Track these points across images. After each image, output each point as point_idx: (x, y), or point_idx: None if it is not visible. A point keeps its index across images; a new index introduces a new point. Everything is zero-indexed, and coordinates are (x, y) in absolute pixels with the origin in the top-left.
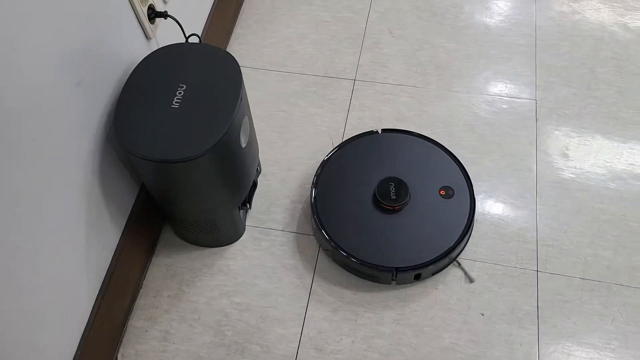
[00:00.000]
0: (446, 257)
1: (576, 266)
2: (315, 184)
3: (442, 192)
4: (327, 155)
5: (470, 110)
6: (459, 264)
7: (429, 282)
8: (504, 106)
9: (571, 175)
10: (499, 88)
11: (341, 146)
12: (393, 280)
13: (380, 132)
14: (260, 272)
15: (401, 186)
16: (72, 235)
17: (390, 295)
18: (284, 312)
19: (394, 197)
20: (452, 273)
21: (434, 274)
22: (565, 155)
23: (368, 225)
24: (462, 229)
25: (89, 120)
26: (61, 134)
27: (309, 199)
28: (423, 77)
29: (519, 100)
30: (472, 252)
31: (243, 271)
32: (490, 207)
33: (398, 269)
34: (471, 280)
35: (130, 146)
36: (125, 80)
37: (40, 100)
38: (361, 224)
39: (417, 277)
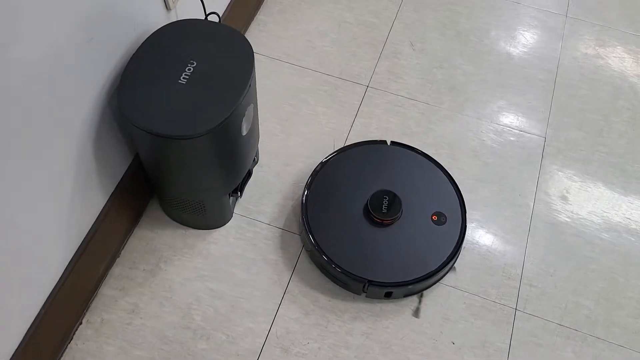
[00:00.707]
0: (421, 282)
1: (555, 311)
2: (309, 184)
3: (434, 218)
4: (327, 157)
5: (478, 136)
6: (420, 297)
7: (404, 302)
8: (512, 138)
9: (567, 219)
10: (511, 119)
11: (344, 150)
12: (364, 292)
13: (389, 143)
14: (240, 261)
15: (395, 202)
16: (55, 192)
17: (364, 307)
18: (256, 306)
19: (385, 211)
20: (430, 296)
21: (405, 295)
22: (564, 198)
23: (353, 233)
24: (444, 259)
25: (94, 80)
26: (63, 87)
27: (301, 197)
28: (437, 95)
29: (528, 135)
30: (454, 279)
31: (223, 258)
32: (480, 237)
33: (370, 282)
34: (416, 316)
35: (129, 114)
36: (137, 47)
37: (47, 50)
38: (347, 231)
39: (388, 295)
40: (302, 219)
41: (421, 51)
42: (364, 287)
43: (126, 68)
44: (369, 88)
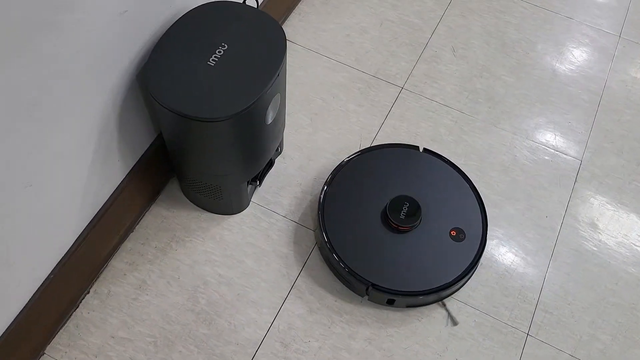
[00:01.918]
0: (426, 295)
1: (569, 341)
2: (330, 180)
3: (453, 233)
4: (352, 155)
5: (510, 151)
6: (444, 305)
7: (412, 312)
8: (546, 157)
9: (593, 248)
10: (547, 138)
11: (371, 149)
12: (367, 295)
13: (422, 150)
14: (251, 251)
15: (415, 209)
16: (75, 160)
17: (370, 312)
18: (262, 297)
19: (403, 217)
20: (438, 309)
21: (408, 306)
22: (594, 226)
23: (367, 235)
24: (455, 277)
25: (124, 53)
26: (93, 57)
27: (320, 191)
28: (473, 104)
29: (564, 156)
30: (467, 296)
31: (234, 245)
32: (500, 255)
33: (374, 286)
34: (455, 323)
35: (155, 91)
36: (170, 24)
37: (81, 16)
38: (360, 232)
39: (390, 303)
40: (318, 212)
41: (462, 58)
42: (367, 289)
43: (157, 44)
44: (403, 90)
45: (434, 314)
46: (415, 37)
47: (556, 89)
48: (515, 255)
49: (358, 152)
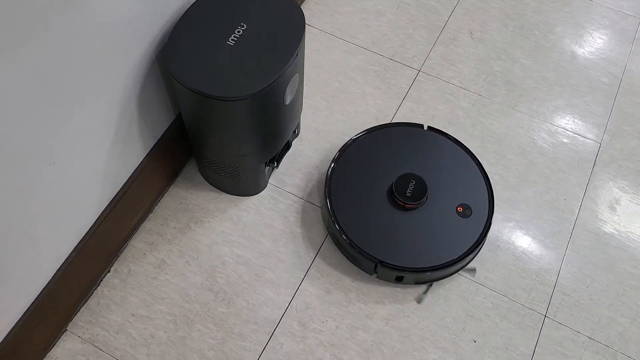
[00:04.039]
0: (433, 272)
1: (587, 323)
2: (337, 158)
3: (459, 209)
4: (358, 134)
5: (529, 134)
6: (429, 286)
7: (429, 293)
8: (564, 140)
9: (612, 231)
10: (566, 120)
11: (377, 128)
12: (375, 272)
13: (426, 128)
14: (269, 232)
15: (421, 187)
16: (96, 140)
17: (387, 292)
18: (280, 277)
19: (409, 195)
20: (456, 291)
21: (416, 282)
22: (612, 209)
23: (374, 213)
24: (461, 253)
25: (145, 32)
26: (114, 36)
27: (327, 170)
28: (490, 87)
29: (583, 139)
30: (484, 277)
31: (252, 226)
32: (517, 237)
33: (382, 263)
34: (419, 301)
35: (175, 70)
36: (190, 4)
37: None
38: (367, 210)
39: (399, 280)
40: (325, 190)
41: (480, 40)
42: (375, 267)
43: (177, 24)
44: (420, 72)
45: (452, 295)
46: (432, 20)
47: (575, 72)
48: (533, 238)
49: (364, 131)
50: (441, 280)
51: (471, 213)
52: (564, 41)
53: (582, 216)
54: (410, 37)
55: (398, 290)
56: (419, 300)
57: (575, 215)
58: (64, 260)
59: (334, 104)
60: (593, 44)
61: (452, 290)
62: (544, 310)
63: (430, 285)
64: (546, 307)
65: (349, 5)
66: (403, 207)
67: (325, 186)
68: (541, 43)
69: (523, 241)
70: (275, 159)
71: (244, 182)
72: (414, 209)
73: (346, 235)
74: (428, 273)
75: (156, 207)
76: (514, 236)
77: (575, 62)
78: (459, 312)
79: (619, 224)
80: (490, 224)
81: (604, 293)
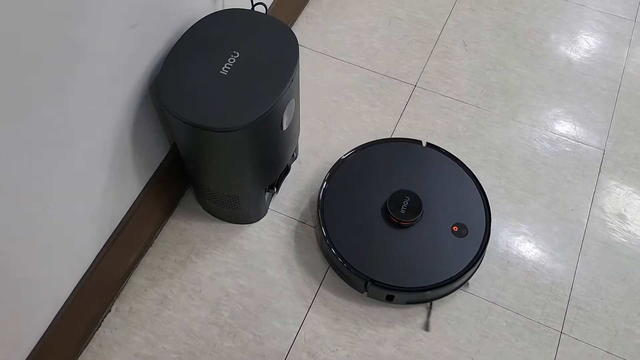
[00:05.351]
0: (424, 292)
1: (604, 337)
2: (330, 175)
3: (455, 229)
4: (351, 151)
5: (530, 144)
6: (430, 308)
7: (440, 314)
8: (567, 149)
9: (623, 240)
10: (567, 129)
11: (373, 144)
12: (365, 290)
13: (424, 144)
14: (272, 259)
15: (415, 204)
16: (90, 178)
17: (397, 317)
18: (286, 306)
19: (403, 212)
20: (468, 311)
21: (407, 302)
22: (622, 217)
23: (367, 230)
24: (455, 274)
25: (135, 66)
26: (104, 73)
27: (319, 188)
28: (488, 98)
29: (586, 146)
30: (496, 295)
31: (254, 254)
32: (527, 252)
33: (372, 281)
34: (427, 329)
35: (168, 102)
36: (181, 35)
37: (90, 33)
38: (360, 227)
39: (389, 299)
40: (318, 209)
41: (474, 52)
42: (365, 284)
43: (168, 55)
44: (416, 88)
45: (463, 316)
46: (425, 34)
47: (572, 79)
48: (543, 251)
49: (358, 147)
50: (451, 300)
51: (467, 233)
52: (559, 48)
53: (591, 226)
54: (404, 52)
55: (408, 313)
56: (427, 327)
57: (584, 226)
58: (62, 304)
59: (331, 124)
60: (589, 49)
61: (463, 310)
62: (559, 327)
63: (430, 307)
64: (562, 323)
65: (340, 24)
66: (397, 225)
67: (318, 206)
68: (536, 51)
69: (533, 255)
70: (274, 184)
71: (244, 210)
72: (409, 226)
73: (337, 252)
74: (421, 293)
75: (155, 240)
76: (523, 250)
77: (572, 69)
78: (472, 333)
79: (629, 232)
80: (486, 244)
81: (619, 304)
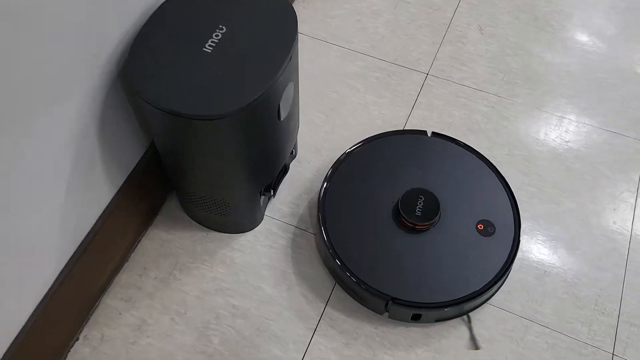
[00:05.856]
0: (458, 305)
1: None
2: (330, 176)
3: (480, 227)
4: (353, 146)
5: (560, 137)
6: (469, 321)
7: (468, 335)
8: (603, 140)
9: None
10: (600, 118)
11: (374, 139)
12: (386, 311)
13: (429, 134)
14: (269, 274)
15: (432, 204)
16: (49, 182)
17: (418, 338)
18: (287, 329)
19: (418, 214)
20: (501, 330)
21: (437, 320)
22: None
23: (378, 239)
24: (490, 279)
25: (100, 47)
26: (62, 55)
27: (319, 191)
28: (510, 86)
29: (624, 137)
30: (533, 311)
31: (249, 268)
32: (564, 259)
33: (394, 300)
34: (477, 347)
35: (140, 86)
36: (156, 7)
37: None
38: (370, 236)
39: (416, 318)
40: (318, 216)
41: (491, 36)
42: (386, 305)
43: (141, 30)
44: (428, 76)
45: (496, 335)
46: (436, 17)
47: (602, 63)
48: (585, 258)
49: (360, 142)
50: (480, 319)
51: (494, 230)
52: (584, 30)
53: (638, 228)
54: (412, 38)
55: (430, 333)
56: (476, 345)
57: (629, 230)
58: (17, 333)
59: (333, 118)
60: (617, 29)
61: (496, 330)
62: (610, 347)
63: (469, 321)
64: (612, 343)
65: (340, 8)
66: (413, 230)
67: (319, 211)
68: (559, 34)
69: (571, 263)
70: (271, 187)
71: (236, 217)
72: (426, 230)
73: (350, 271)
74: (453, 307)
75: (132, 254)
76: (561, 257)
77: (601, 52)
78: (508, 357)
79: None
80: (519, 239)
81: None
